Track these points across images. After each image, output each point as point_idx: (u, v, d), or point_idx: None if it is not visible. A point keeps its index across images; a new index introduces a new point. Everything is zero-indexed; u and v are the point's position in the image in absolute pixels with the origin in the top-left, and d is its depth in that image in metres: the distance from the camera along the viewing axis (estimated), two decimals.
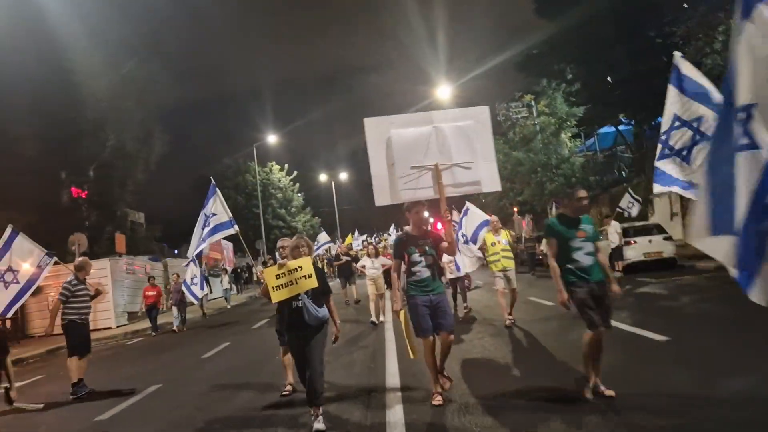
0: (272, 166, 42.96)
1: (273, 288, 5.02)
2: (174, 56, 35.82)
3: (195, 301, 18.28)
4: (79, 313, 8.44)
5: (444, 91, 35.28)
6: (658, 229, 16.66)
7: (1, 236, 9.29)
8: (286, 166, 43.81)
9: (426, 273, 5.47)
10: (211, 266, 26.49)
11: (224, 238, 32.92)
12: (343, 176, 64.52)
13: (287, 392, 6.63)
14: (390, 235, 38.18)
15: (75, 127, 28.06)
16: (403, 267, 5.66)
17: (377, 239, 39.77)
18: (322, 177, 58.34)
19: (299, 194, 44.52)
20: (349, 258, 16.72)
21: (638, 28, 19.75)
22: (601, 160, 32.64)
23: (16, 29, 23.92)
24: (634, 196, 18.76)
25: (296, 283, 5.04)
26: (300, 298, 5.11)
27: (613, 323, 8.10)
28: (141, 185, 32.17)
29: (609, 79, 21.60)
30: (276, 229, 40.63)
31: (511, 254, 10.03)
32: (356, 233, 41.60)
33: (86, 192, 30.80)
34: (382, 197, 5.66)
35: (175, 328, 16.87)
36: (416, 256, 5.51)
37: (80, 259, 8.97)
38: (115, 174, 30.68)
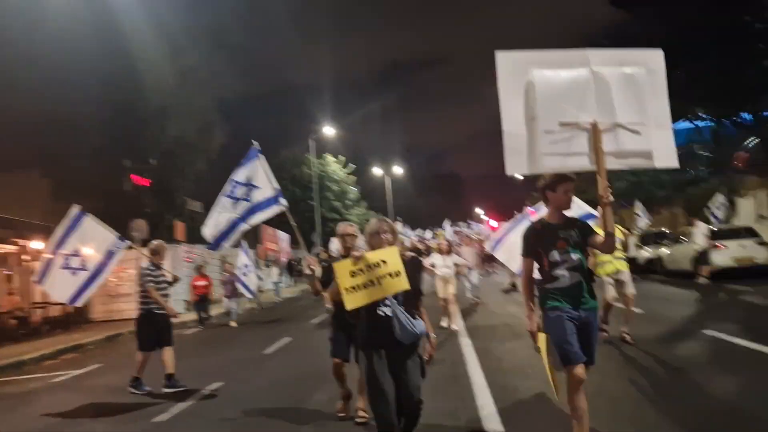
0: (328, 157, 42.64)
1: (347, 289, 3.74)
2: (235, 48, 35.89)
3: (248, 295, 17.72)
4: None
5: None
6: (750, 233, 15.31)
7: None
8: (341, 158, 43.42)
9: (572, 278, 3.95)
10: (267, 258, 26.23)
11: (280, 229, 32.92)
12: (398, 171, 64.02)
13: (344, 414, 5.59)
14: (443, 230, 37.19)
15: (138, 115, 28.37)
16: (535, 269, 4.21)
17: (433, 234, 38.95)
18: (377, 171, 57.89)
19: (355, 187, 44.06)
20: (414, 254, 15.61)
21: (731, 11, 18.17)
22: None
23: (82, 19, 24.23)
24: (725, 197, 17.40)
25: (379, 283, 3.75)
26: (387, 303, 3.81)
27: (731, 338, 7.45)
28: (201, 175, 32.33)
29: (690, 69, 20.01)
30: (331, 221, 40.34)
31: (623, 254, 8.43)
32: (401, 226, 40.87)
33: (149, 180, 31.17)
34: (516, 164, 4.03)
35: (231, 322, 15.70)
36: (556, 254, 3.97)
37: (156, 242, 8.10)
38: (176, 163, 30.93)
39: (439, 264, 11.12)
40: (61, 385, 9.19)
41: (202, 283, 16.12)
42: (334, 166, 42.81)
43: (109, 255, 7.91)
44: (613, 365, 6.81)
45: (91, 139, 26.99)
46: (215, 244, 6.93)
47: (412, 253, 14.87)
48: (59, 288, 8.06)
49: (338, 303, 4.79)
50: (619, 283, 8.21)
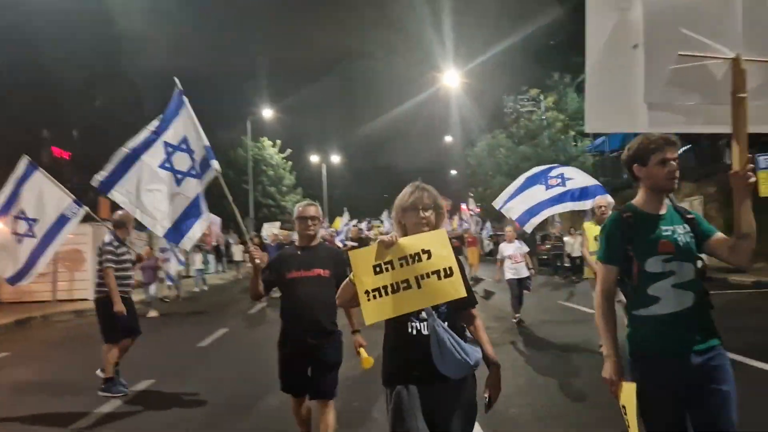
0: (264, 141, 41.24)
1: (368, 293, 2.45)
2: (170, 25, 34.08)
3: (168, 282, 16.56)
4: (122, 284, 6.36)
5: (452, 77, 34.02)
6: None
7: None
8: (279, 142, 42.12)
9: (679, 300, 2.56)
10: (200, 241, 24.89)
11: (212, 211, 31.57)
12: (336, 159, 63.14)
13: None
14: (382, 222, 36.65)
15: (64, 81, 26.36)
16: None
17: (369, 226, 38.43)
18: (314, 159, 56.85)
19: (291, 173, 42.88)
20: (356, 245, 14.17)
21: None
22: (611, 160, 31.53)
23: None
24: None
25: (418, 285, 2.45)
26: (422, 316, 2.55)
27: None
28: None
29: None
30: (265, 207, 39.11)
31: None
32: (346, 215, 40.11)
33: (69, 153, 29.14)
34: (601, 117, 2.81)
35: (151, 312, 13.40)
36: (656, 262, 2.56)
37: (120, 213, 6.40)
38: (102, 137, 29.00)
39: None
40: None
41: None
42: (270, 150, 41.47)
43: (62, 221, 6.65)
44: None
45: (6, 106, 24.79)
46: (175, 237, 5.46)
47: (354, 244, 13.99)
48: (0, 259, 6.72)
49: (289, 312, 4.03)
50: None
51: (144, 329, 6.71)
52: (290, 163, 42.87)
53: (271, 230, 25.35)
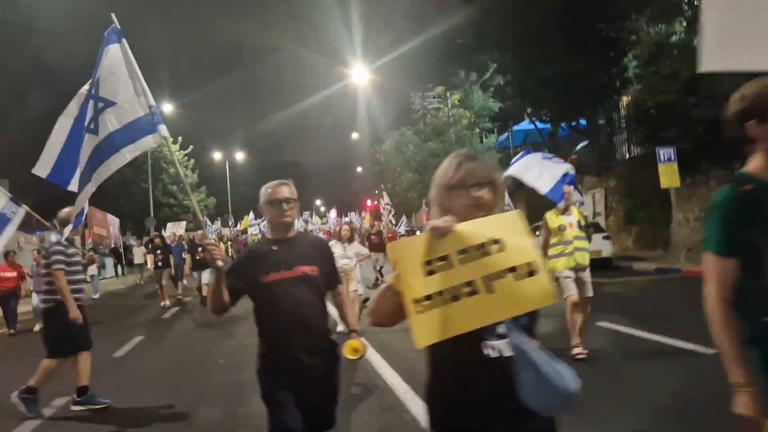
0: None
1: (418, 304, 1.76)
2: (54, 8, 31.64)
3: None
4: (74, 289, 5.67)
5: (360, 73, 33.99)
6: (596, 228, 16.22)
7: None
8: (180, 139, 40.30)
9: None
10: (96, 243, 23.23)
11: (117, 212, 29.50)
12: (239, 156, 61.47)
13: None
14: (326, 218, 35.94)
15: None
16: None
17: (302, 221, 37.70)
18: (217, 156, 55.04)
19: (194, 171, 41.16)
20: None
21: (587, 18, 19.26)
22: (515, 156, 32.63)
23: None
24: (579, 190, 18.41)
25: (488, 289, 1.76)
26: (500, 332, 1.80)
27: (643, 334, 7.10)
28: (14, 147, 28.00)
29: (541, 73, 20.98)
30: (166, 206, 37.33)
31: (586, 244, 6.74)
32: (251, 216, 39.09)
33: None
34: (721, 54, 2.38)
35: (37, 325, 11.18)
36: None
37: (66, 210, 5.68)
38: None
39: (338, 253, 8.83)
40: None
41: (9, 275, 12.12)
42: (172, 146, 39.62)
43: (1, 222, 6.04)
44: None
45: None
46: (60, 178, 4.95)
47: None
48: None
49: (272, 328, 3.07)
50: (578, 283, 6.50)
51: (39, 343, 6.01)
52: (192, 161, 41.17)
53: (173, 230, 24.07)
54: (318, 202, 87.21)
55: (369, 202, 54.37)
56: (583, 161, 26.28)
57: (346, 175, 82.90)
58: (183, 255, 15.35)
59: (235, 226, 43.51)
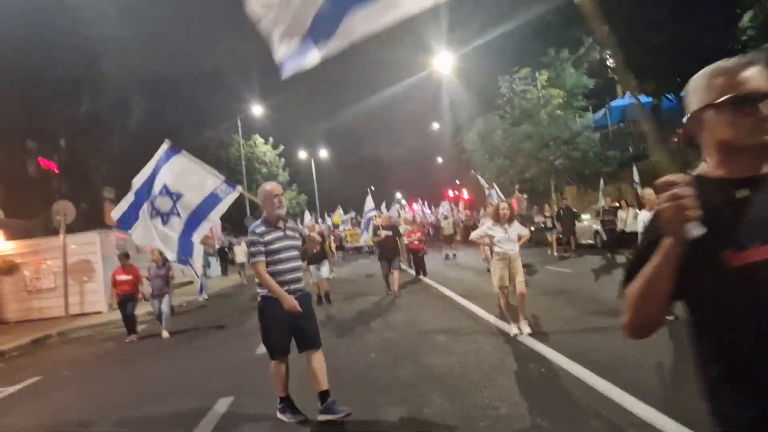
0: (256, 139, 40.22)
1: None
2: (153, 25, 32.93)
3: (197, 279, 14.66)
4: (285, 280, 4.81)
5: (444, 61, 33.32)
6: None
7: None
8: (271, 139, 41.13)
9: None
10: (202, 244, 23.90)
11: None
12: (322, 153, 62.25)
13: None
14: (380, 213, 35.89)
15: (45, 89, 25.15)
16: None
17: (376, 215, 37.74)
18: (302, 154, 55.95)
19: (285, 170, 41.90)
20: (390, 233, 13.48)
21: None
22: (614, 133, 30.99)
23: None
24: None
25: None
26: None
27: None
28: (118, 156, 29.44)
29: (647, 42, 19.60)
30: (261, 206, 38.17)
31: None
32: (340, 210, 39.39)
33: (56, 164, 28.06)
34: None
35: (163, 332, 11.07)
36: None
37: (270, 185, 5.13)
38: (90, 143, 27.94)
39: (500, 237, 7.43)
40: None
41: (124, 277, 11.36)
42: (263, 147, 40.44)
43: (213, 200, 6.34)
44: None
45: None
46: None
47: (388, 232, 13.06)
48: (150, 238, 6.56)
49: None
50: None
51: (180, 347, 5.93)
52: (283, 159, 41.94)
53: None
54: (398, 195, 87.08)
55: (450, 193, 53.57)
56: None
57: (427, 166, 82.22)
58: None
59: (324, 221, 44.00)
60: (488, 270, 12.27)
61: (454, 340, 7.64)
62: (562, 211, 19.54)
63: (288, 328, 4.81)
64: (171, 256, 6.48)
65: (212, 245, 26.72)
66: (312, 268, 12.56)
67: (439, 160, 76.67)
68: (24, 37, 23.11)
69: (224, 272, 28.98)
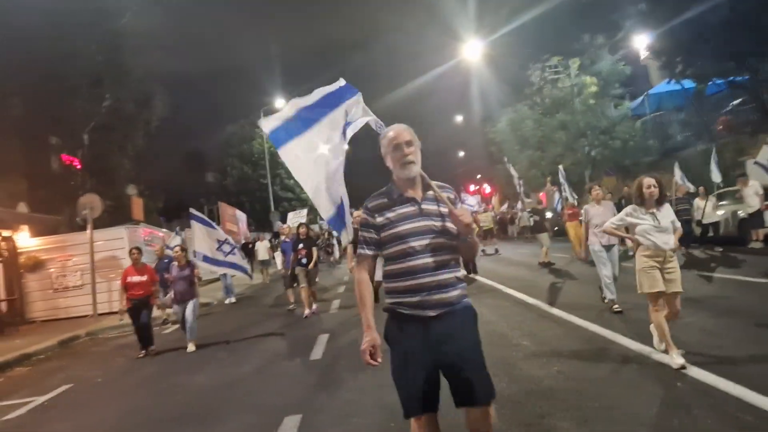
0: None
1: None
2: (175, 18, 32.30)
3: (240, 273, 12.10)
4: (417, 286, 2.79)
5: (473, 49, 32.31)
6: None
7: None
8: None
9: None
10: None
11: (239, 209, 29.81)
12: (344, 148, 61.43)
13: None
14: None
15: (67, 82, 24.55)
16: None
17: None
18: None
19: None
20: None
21: None
22: (653, 122, 29.69)
23: None
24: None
25: None
26: None
27: None
28: (141, 151, 28.88)
29: (700, 24, 18.41)
30: (285, 201, 37.44)
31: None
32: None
33: (79, 160, 27.59)
34: None
35: (189, 344, 9.32)
36: None
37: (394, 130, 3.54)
38: (113, 137, 27.36)
39: (647, 225, 5.41)
40: (22, 426, 6.17)
41: (138, 278, 9.50)
42: None
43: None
44: None
45: (10, 111, 23.09)
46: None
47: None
48: None
49: None
50: None
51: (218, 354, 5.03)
52: None
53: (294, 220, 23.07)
54: None
55: (471, 187, 52.47)
56: (738, 120, 23.42)
57: (450, 160, 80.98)
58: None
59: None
60: (584, 260, 10.46)
61: (563, 356, 5.90)
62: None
63: (428, 367, 2.74)
64: (326, 212, 4.24)
65: (239, 241, 26.00)
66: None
67: (461, 154, 75.47)
68: (45, 27, 22.54)
69: (251, 271, 28.15)
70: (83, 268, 14.53)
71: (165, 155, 38.97)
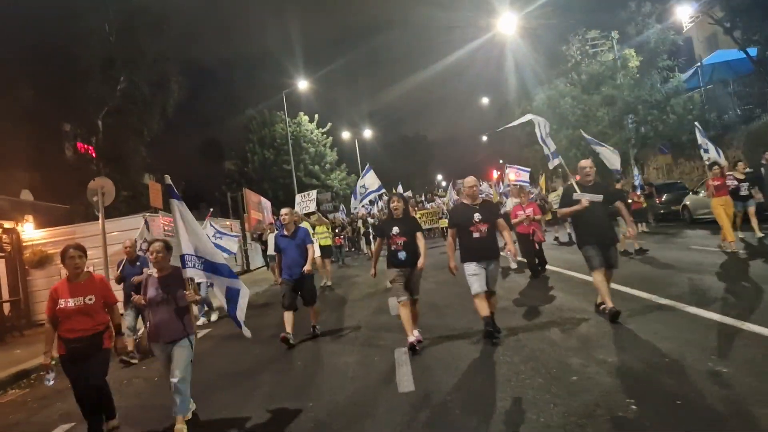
0: (302, 116, 37.62)
1: None
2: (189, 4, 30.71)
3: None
4: None
5: (508, 21, 30.16)
6: None
7: None
8: (317, 117, 38.50)
9: None
10: (255, 230, 21.42)
11: (264, 196, 28.17)
12: (368, 133, 59.61)
13: None
14: (446, 191, 32.77)
15: (79, 64, 23.07)
16: None
17: (427, 197, 35.01)
18: (345, 135, 53.34)
19: (333, 150, 39.26)
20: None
21: None
22: (708, 95, 27.33)
23: None
24: None
25: None
26: None
27: None
28: (158, 136, 27.36)
29: None
30: (309, 187, 35.72)
31: None
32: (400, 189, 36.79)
33: (93, 148, 26.20)
34: None
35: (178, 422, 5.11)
36: None
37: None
38: (128, 122, 25.88)
39: None
40: None
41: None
42: (309, 125, 37.86)
43: None
44: None
45: (20, 96, 21.62)
46: None
47: None
48: None
49: None
50: None
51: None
52: (330, 138, 39.28)
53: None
54: (439, 176, 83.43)
55: (495, 173, 50.36)
56: None
57: (473, 145, 78.55)
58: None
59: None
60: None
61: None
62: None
63: None
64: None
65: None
66: None
67: (484, 138, 73.03)
68: (54, 4, 21.08)
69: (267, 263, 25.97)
70: (95, 262, 12.87)
71: (183, 142, 37.54)
